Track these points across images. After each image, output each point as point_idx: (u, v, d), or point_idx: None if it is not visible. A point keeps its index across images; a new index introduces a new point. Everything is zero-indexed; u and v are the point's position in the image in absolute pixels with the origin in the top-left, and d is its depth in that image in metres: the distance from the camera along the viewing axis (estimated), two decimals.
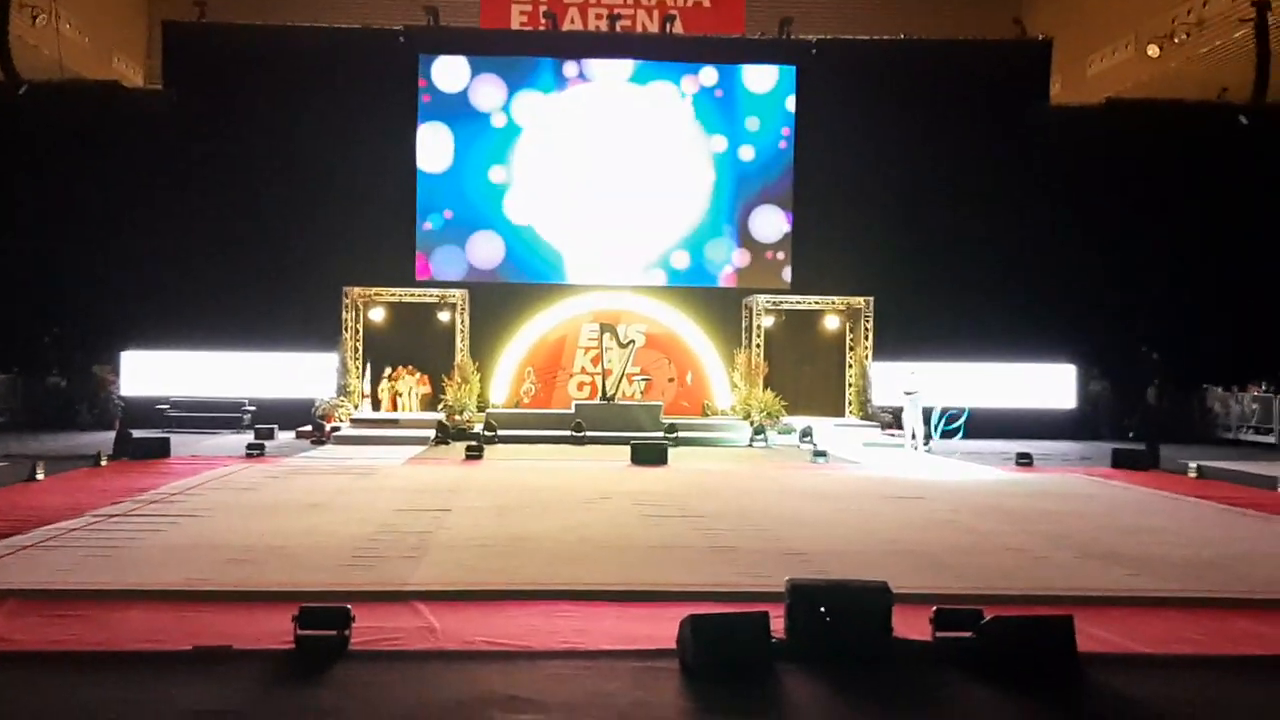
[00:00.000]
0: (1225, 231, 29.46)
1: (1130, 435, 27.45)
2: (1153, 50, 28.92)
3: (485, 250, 30.01)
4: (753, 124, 30.38)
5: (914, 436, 24.30)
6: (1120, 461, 21.24)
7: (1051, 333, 28.69)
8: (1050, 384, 29.71)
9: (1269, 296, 28.91)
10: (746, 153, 30.37)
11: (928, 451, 24.20)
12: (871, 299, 29.34)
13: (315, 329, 28.34)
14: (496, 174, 29.99)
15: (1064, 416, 29.03)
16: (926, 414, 25.04)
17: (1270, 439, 27.24)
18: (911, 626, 7.82)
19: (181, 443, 23.06)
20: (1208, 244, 29.50)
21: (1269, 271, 29.21)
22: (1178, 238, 29.53)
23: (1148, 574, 10.58)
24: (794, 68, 30.31)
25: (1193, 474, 19.82)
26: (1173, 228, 29.45)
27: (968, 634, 7.57)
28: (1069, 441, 26.97)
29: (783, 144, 30.34)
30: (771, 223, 30.42)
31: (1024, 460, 21.53)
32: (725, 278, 30.43)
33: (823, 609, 7.63)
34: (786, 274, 30.38)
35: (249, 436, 24.52)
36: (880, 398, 28.81)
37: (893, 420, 27.66)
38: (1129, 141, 29.36)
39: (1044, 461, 22.11)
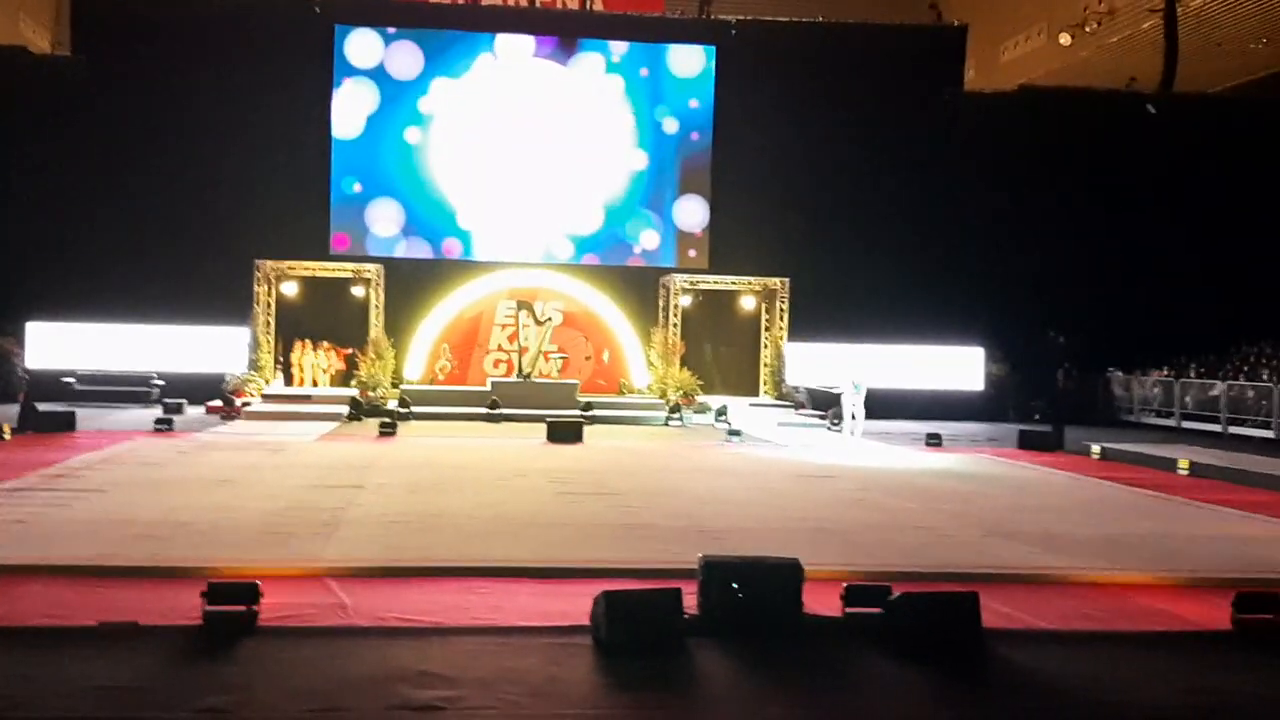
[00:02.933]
0: (1133, 218, 30.14)
1: (1036, 417, 27.98)
2: (1064, 39, 29.46)
3: (399, 224, 29.74)
4: (672, 104, 30.41)
5: (853, 419, 23.30)
6: (1026, 443, 21.66)
7: (962, 315, 29.13)
8: (959, 366, 30.14)
9: (1173, 282, 29.62)
10: (665, 132, 30.41)
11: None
12: (787, 280, 29.58)
13: (226, 302, 27.87)
14: (412, 147, 29.70)
15: (973, 398, 29.50)
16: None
17: (1170, 422, 27.93)
18: (822, 602, 7.92)
19: (88, 416, 22.60)
20: (1115, 230, 30.17)
21: (1174, 258, 29.92)
22: (1087, 224, 30.17)
23: (1051, 552, 10.81)
24: (714, 48, 30.37)
25: (1096, 455, 20.30)
26: (1082, 213, 30.08)
27: (877, 610, 7.69)
28: (977, 423, 27.43)
29: (698, 131, 30.39)
30: (690, 203, 30.51)
31: (933, 441, 21.87)
32: (643, 257, 30.46)
33: (735, 585, 7.70)
34: (704, 254, 30.48)
35: (157, 411, 24.09)
36: (794, 377, 29.10)
37: (808, 400, 27.95)
38: (1041, 128, 29.91)
39: (953, 442, 22.46)
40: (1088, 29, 28.75)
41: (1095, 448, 20.63)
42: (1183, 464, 18.26)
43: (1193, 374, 28.46)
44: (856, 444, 22.09)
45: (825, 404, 26.47)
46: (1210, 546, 11.41)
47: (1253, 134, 30.18)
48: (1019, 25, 31.90)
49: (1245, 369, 27.54)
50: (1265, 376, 26.30)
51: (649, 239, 30.48)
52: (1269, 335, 28.85)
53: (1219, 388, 26.79)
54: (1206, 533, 12.36)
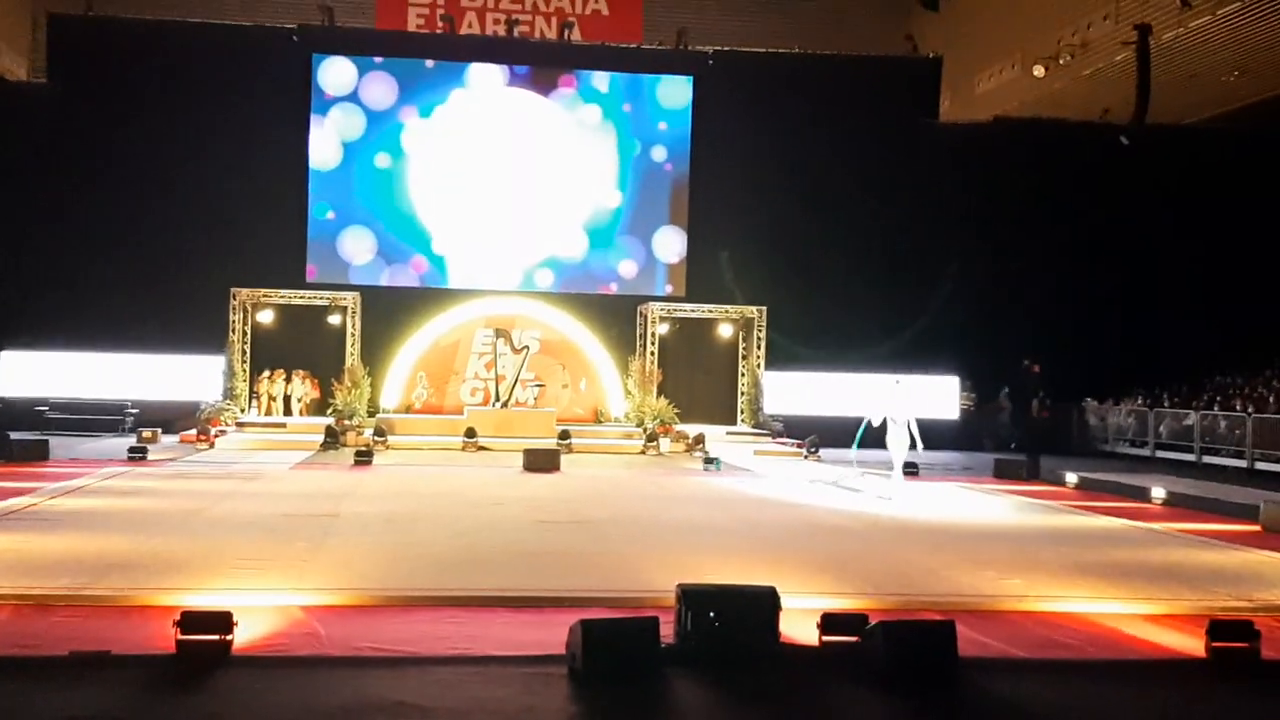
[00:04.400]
0: (1106, 248, 30.36)
1: (1012, 446, 28.07)
2: (1038, 70, 29.71)
3: (376, 253, 29.70)
4: (649, 134, 30.51)
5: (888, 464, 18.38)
6: (1002, 472, 21.72)
7: (937, 344, 29.22)
8: (935, 395, 30.19)
9: (1147, 313, 29.81)
10: (642, 162, 30.49)
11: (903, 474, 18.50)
12: (764, 309, 29.65)
13: (202, 330, 27.76)
14: (389, 176, 29.71)
15: (948, 427, 29.52)
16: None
17: (1145, 451, 28.06)
18: (799, 631, 7.92)
19: (61, 445, 22.44)
20: (1090, 260, 30.36)
21: (1148, 288, 30.13)
22: (1061, 253, 30.36)
23: (1026, 581, 10.83)
24: (691, 78, 30.53)
25: (1072, 484, 20.37)
26: (1056, 243, 30.27)
27: (853, 638, 7.69)
28: (953, 451, 27.48)
29: (675, 160, 30.50)
30: (667, 232, 30.58)
31: (910, 469, 21.86)
32: (620, 285, 30.50)
33: (712, 614, 7.69)
34: (681, 283, 30.55)
35: (131, 439, 23.92)
36: (772, 406, 29.15)
37: (784, 429, 27.95)
38: (1015, 158, 30.11)
39: (928, 471, 22.46)
40: (1061, 61, 29.02)
41: (1071, 477, 20.71)
42: (1157, 493, 18.35)
43: (1167, 404, 28.61)
44: (897, 493, 17.51)
45: (803, 432, 26.49)
46: (1185, 575, 11.45)
47: (1226, 166, 30.44)
48: (993, 57, 32.19)
49: (1219, 399, 27.70)
50: (1238, 407, 26.46)
51: (626, 268, 30.53)
52: (1242, 366, 29.04)
53: (1193, 418, 26.94)
54: (1181, 561, 12.41)
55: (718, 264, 29.95)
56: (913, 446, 17.49)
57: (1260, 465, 24.18)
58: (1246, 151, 30.54)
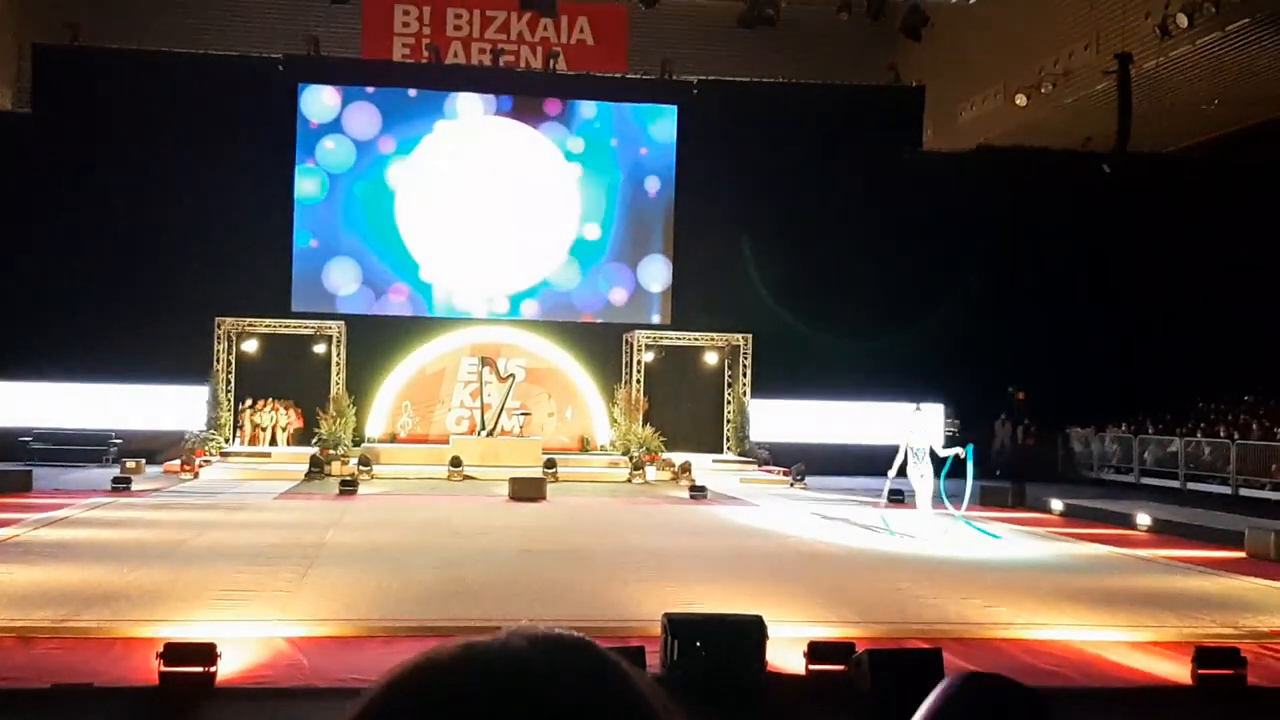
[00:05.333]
0: (1090, 275, 30.50)
1: (997, 474, 28.10)
2: (1021, 99, 29.85)
3: (361, 281, 29.69)
4: (634, 162, 30.64)
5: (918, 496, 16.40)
6: (987, 499, 21.73)
7: (923, 372, 29.24)
8: (923, 422, 30.18)
9: (1131, 340, 29.92)
10: (627, 190, 30.59)
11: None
12: (750, 336, 29.69)
13: (186, 360, 27.67)
14: (375, 205, 29.73)
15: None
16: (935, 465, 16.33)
17: (1130, 478, 28.12)
18: (786, 660, 7.90)
19: (44, 476, 22.29)
20: (1074, 287, 30.49)
21: (1131, 314, 30.26)
22: (1045, 281, 30.47)
23: (1013, 608, 10.83)
24: (675, 108, 30.66)
25: (1057, 511, 20.40)
26: (1040, 271, 30.39)
27: (840, 667, 7.67)
28: (938, 479, 27.46)
29: (660, 189, 30.61)
30: (653, 260, 30.65)
31: (895, 496, 21.85)
32: (606, 313, 30.52)
33: (698, 643, 7.67)
34: (667, 310, 30.60)
35: (115, 470, 23.79)
36: (758, 434, 29.18)
37: (770, 457, 27.96)
38: (998, 187, 30.26)
39: (914, 498, 22.42)
40: (1043, 90, 29.17)
41: (1056, 504, 20.74)
42: (1142, 520, 18.39)
43: (1151, 430, 28.70)
44: (929, 533, 15.63)
45: (789, 460, 26.50)
46: (1171, 602, 11.46)
47: (1207, 193, 30.64)
48: (976, 86, 32.36)
49: (1203, 426, 27.80)
50: (1222, 433, 26.56)
51: (612, 295, 30.57)
52: (1226, 393, 29.15)
53: (1177, 444, 27.02)
54: (1167, 588, 12.43)
55: (703, 291, 29.96)
56: (937, 474, 15.97)
57: (1244, 491, 24.26)
58: (1227, 179, 30.75)
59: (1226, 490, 24.79)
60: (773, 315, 29.50)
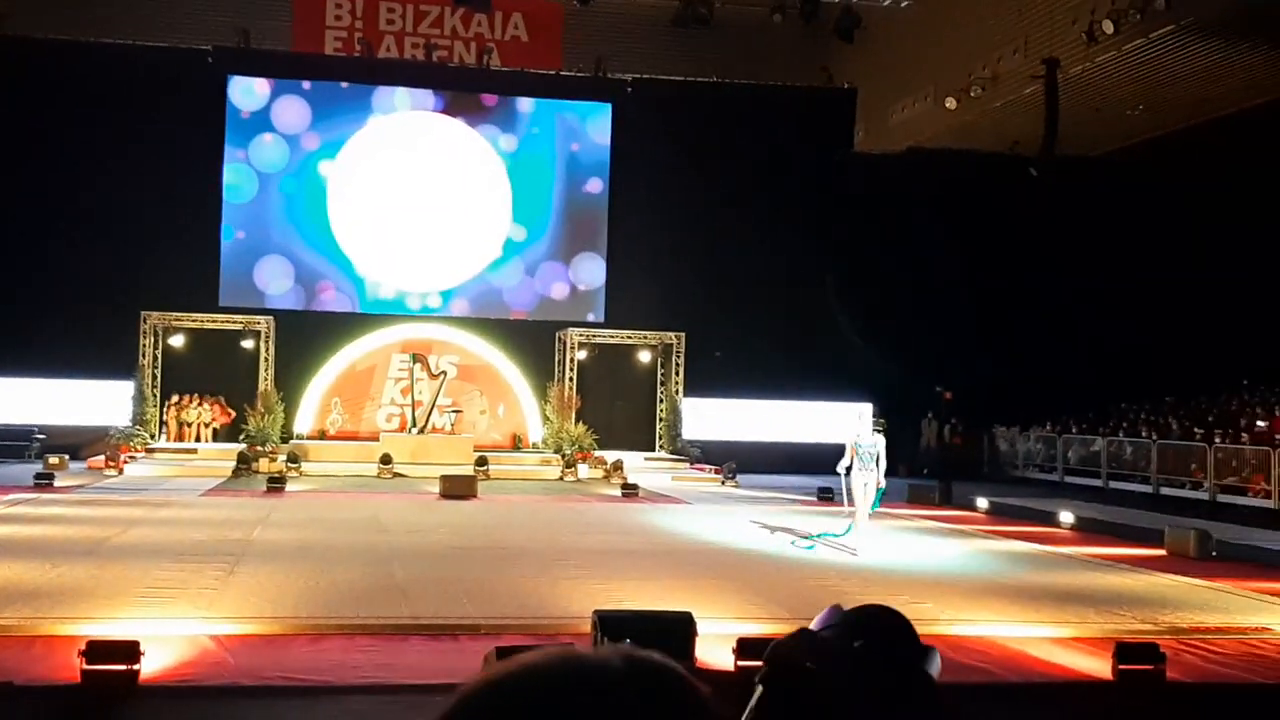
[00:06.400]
0: (1017, 277, 30.91)
1: (924, 472, 28.44)
2: (950, 103, 30.21)
3: (290, 276, 29.38)
4: (567, 160, 30.58)
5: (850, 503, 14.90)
6: (914, 497, 21.99)
7: (852, 371, 29.52)
8: (851, 420, 30.48)
9: (1056, 341, 30.39)
10: (560, 187, 30.53)
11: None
12: (683, 335, 29.77)
13: (111, 355, 27.17)
14: (305, 199, 29.43)
15: None
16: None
17: (1054, 477, 28.56)
18: (715, 656, 7.94)
19: None
20: (1001, 288, 30.89)
21: (1056, 317, 30.72)
22: (972, 281, 30.84)
23: (938, 604, 10.97)
24: (610, 106, 30.66)
25: (982, 509, 20.68)
26: (968, 272, 30.76)
27: None
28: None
29: (594, 187, 30.61)
30: (586, 258, 30.62)
31: (825, 494, 22.04)
32: (539, 310, 30.45)
33: (628, 639, 7.68)
34: (600, 308, 30.59)
35: (38, 466, 23.34)
36: (690, 432, 29.29)
37: (702, 455, 28.06)
38: (928, 188, 30.61)
39: (844, 496, 22.61)
40: (972, 94, 29.54)
41: (982, 502, 21.02)
42: (1065, 518, 18.69)
43: (1075, 430, 29.16)
44: (867, 541, 14.49)
45: (721, 458, 26.64)
46: (1092, 598, 11.66)
47: (1131, 197, 31.21)
48: (907, 89, 32.69)
49: (1125, 426, 28.31)
50: (1144, 434, 27.06)
51: (545, 293, 30.49)
52: (1147, 394, 29.68)
53: (1100, 444, 27.49)
54: (1088, 585, 12.64)
55: (636, 289, 30.01)
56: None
57: (1165, 491, 24.73)
58: (1151, 184, 31.33)
59: (1148, 489, 25.25)
60: (706, 314, 29.59)
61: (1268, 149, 27.78)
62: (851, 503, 14.52)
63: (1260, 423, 25.13)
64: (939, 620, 10.21)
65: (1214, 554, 15.07)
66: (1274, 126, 27.28)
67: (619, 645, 0.96)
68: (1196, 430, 25.74)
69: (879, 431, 14.58)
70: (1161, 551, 15.46)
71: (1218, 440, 24.30)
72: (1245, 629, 10.33)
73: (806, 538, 15.37)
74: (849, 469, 14.51)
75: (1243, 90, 26.96)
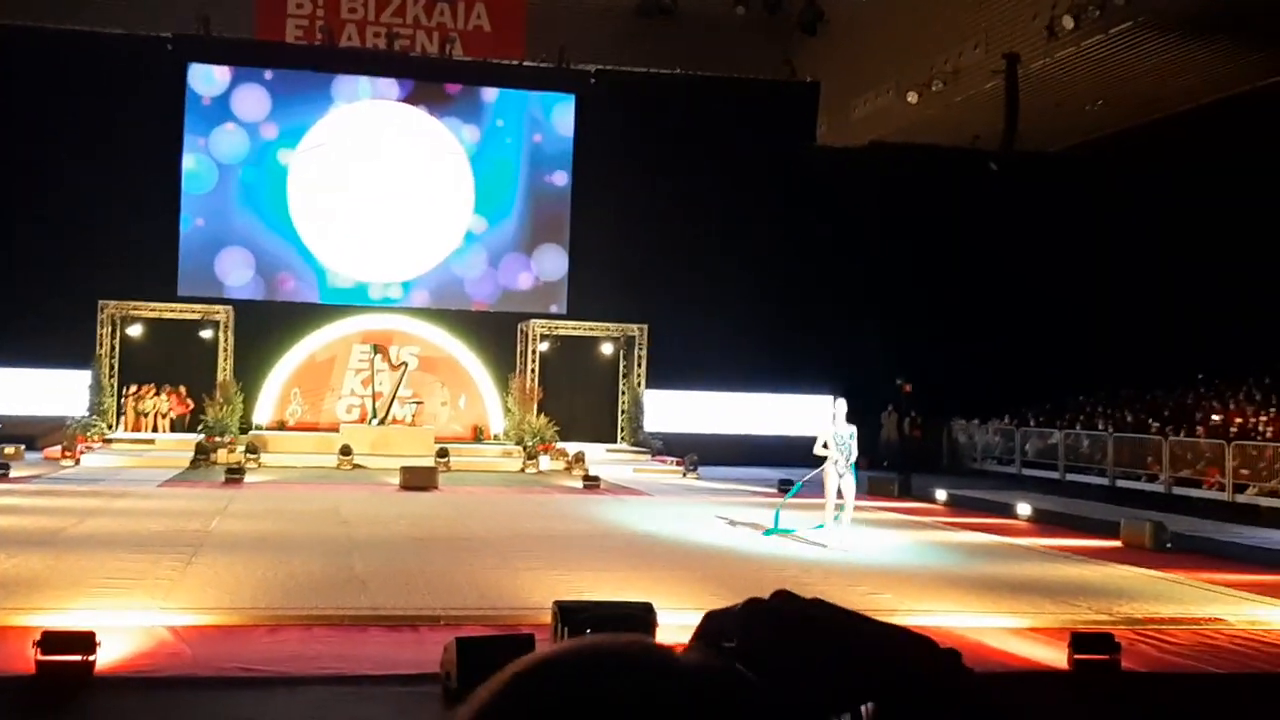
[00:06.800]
0: (977, 270, 31.13)
1: (884, 464, 28.57)
2: (912, 97, 30.31)
3: (249, 265, 29.17)
4: (530, 151, 30.51)
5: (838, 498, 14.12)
6: (874, 489, 22.10)
7: (814, 364, 29.65)
8: (812, 413, 30.65)
9: (1014, 334, 30.61)
10: (523, 179, 30.46)
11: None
12: (645, 327, 29.77)
13: (68, 344, 26.88)
14: (266, 188, 29.21)
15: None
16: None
17: (1012, 469, 28.79)
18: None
19: None
20: (960, 281, 31.10)
21: (1015, 309, 30.95)
22: (933, 275, 31.05)
23: (894, 595, 11.04)
24: (573, 97, 30.60)
25: (941, 501, 20.82)
26: (928, 265, 30.96)
27: None
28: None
29: (557, 178, 30.55)
30: (549, 249, 30.57)
31: (786, 485, 22.10)
32: (501, 302, 30.37)
33: (589, 629, 7.69)
34: (563, 299, 30.54)
35: None
36: (652, 424, 29.32)
37: (664, 447, 28.09)
38: (890, 182, 30.77)
39: (805, 487, 22.70)
40: (934, 88, 29.66)
41: (941, 494, 21.17)
42: (1023, 509, 18.86)
43: (1032, 423, 29.39)
44: (846, 537, 13.93)
45: (683, 450, 26.67)
46: (1048, 589, 11.77)
47: (1090, 192, 31.49)
48: (869, 83, 32.77)
49: (1081, 418, 28.56)
50: (1100, 426, 27.31)
51: (507, 284, 30.41)
52: (1103, 386, 29.95)
53: (1057, 436, 27.73)
54: (1045, 576, 12.76)
55: (599, 281, 29.97)
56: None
57: (1121, 483, 24.97)
58: (1110, 179, 31.62)
59: (1104, 482, 25.49)
60: (668, 306, 29.60)
61: (1225, 145, 28.11)
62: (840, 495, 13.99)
63: (1215, 416, 25.45)
64: (897, 611, 10.28)
65: (1169, 545, 15.25)
66: (1231, 122, 27.60)
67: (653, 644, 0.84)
68: (1152, 423, 26.02)
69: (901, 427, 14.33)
70: (1117, 543, 15.62)
71: (1173, 433, 24.57)
72: (1199, 619, 10.46)
73: (783, 531, 14.94)
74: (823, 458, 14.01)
75: (1201, 86, 27.23)
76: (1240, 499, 21.57)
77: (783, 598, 0.87)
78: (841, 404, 14.27)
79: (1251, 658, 9.06)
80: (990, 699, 0.84)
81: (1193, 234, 29.83)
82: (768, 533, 15.08)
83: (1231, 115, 27.44)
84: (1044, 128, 29.84)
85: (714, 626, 0.84)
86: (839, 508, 14.03)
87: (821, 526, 14.22)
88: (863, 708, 0.78)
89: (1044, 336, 30.60)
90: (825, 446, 13.92)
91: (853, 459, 13.94)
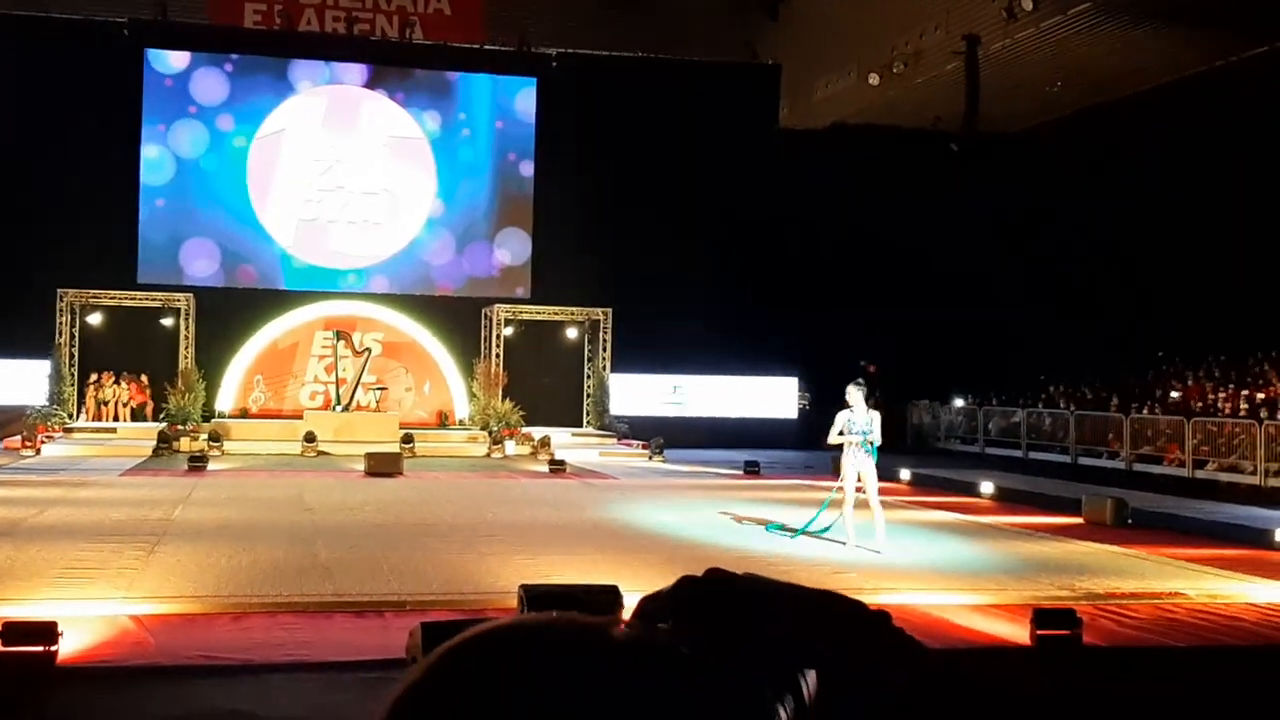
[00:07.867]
0: (938, 251, 31.29)
1: None
2: (873, 79, 30.39)
3: (210, 252, 28.94)
4: (492, 135, 30.41)
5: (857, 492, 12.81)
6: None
7: (778, 346, 29.77)
8: (776, 395, 30.83)
9: (976, 314, 30.80)
10: (485, 163, 30.36)
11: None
12: (610, 311, 29.75)
13: (27, 333, 26.62)
14: (225, 173, 28.98)
15: (788, 426, 30.10)
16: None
17: (975, 448, 29.00)
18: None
19: None
20: (922, 262, 31.26)
21: (977, 289, 31.14)
22: (894, 256, 31.19)
23: (859, 574, 11.11)
24: (535, 80, 30.49)
25: (905, 480, 20.94)
26: (890, 246, 31.09)
27: None
28: (793, 450, 28.00)
29: (519, 162, 30.45)
30: (512, 233, 30.49)
31: (751, 468, 22.24)
32: (465, 287, 30.27)
33: (554, 613, 7.69)
34: (527, 284, 30.48)
35: None
36: (617, 408, 29.34)
37: (629, 431, 28.11)
38: (852, 164, 30.87)
39: (770, 469, 22.86)
40: (895, 70, 29.75)
41: (904, 473, 21.29)
42: (986, 488, 19.01)
43: (995, 402, 29.62)
44: (879, 538, 12.47)
45: (649, 433, 26.70)
46: (1011, 566, 11.88)
47: (1050, 173, 31.69)
48: (830, 65, 32.83)
49: (1044, 398, 28.79)
50: (1062, 405, 27.55)
51: (471, 269, 30.33)
52: (1065, 366, 30.19)
53: (1019, 415, 27.95)
54: (1008, 553, 12.87)
55: (563, 265, 29.93)
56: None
57: (1083, 460, 25.23)
58: (1069, 159, 31.83)
59: (1066, 459, 25.74)
60: (632, 290, 29.57)
61: (1181, 125, 28.33)
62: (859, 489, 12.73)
63: (1174, 394, 25.72)
64: (863, 590, 10.33)
65: (1130, 521, 15.40)
66: (1187, 103, 27.83)
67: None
68: (1112, 401, 26.27)
69: (873, 407, 12.87)
70: (1079, 519, 15.76)
71: (1134, 411, 24.82)
72: (1159, 594, 10.58)
73: (789, 530, 13.95)
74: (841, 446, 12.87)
75: (1157, 68, 27.43)
76: (1200, 475, 21.84)
77: (714, 574, 0.88)
78: (854, 392, 12.81)
79: (1211, 631, 9.17)
80: (926, 657, 0.85)
81: (1151, 213, 30.07)
82: (769, 528, 14.47)
83: (1187, 96, 27.69)
84: (1004, 109, 30.01)
85: (650, 608, 0.85)
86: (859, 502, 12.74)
87: (828, 530, 13.16)
88: (803, 678, 0.79)
89: (1006, 315, 30.78)
90: (841, 434, 12.73)
91: (878, 443, 12.66)
